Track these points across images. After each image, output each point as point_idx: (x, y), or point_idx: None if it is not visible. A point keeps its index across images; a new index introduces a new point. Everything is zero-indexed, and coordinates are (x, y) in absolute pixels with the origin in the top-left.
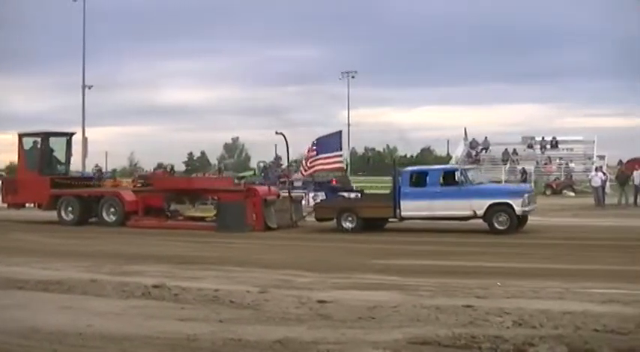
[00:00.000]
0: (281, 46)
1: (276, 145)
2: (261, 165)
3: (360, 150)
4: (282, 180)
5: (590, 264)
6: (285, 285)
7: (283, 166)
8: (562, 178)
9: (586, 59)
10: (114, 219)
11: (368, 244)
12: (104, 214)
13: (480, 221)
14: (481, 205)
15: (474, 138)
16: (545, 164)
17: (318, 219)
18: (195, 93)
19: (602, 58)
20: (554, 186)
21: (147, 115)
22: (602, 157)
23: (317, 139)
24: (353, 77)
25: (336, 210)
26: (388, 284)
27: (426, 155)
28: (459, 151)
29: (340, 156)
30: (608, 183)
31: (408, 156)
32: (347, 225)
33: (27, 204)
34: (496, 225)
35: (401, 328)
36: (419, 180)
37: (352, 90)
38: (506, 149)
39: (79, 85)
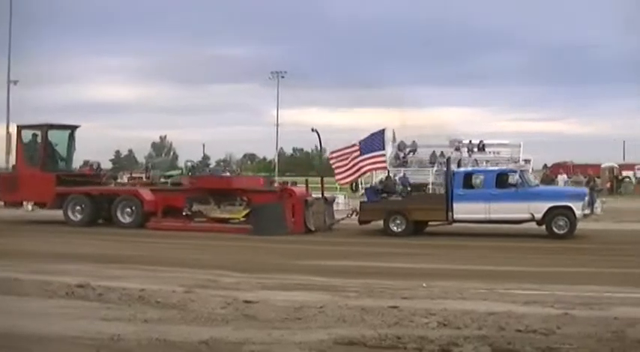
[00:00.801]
0: (211, 45)
1: (204, 145)
2: (189, 164)
3: (289, 151)
4: None
5: (513, 265)
6: (211, 285)
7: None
8: None
9: (515, 65)
10: (130, 220)
11: (295, 245)
12: (119, 214)
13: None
14: (540, 208)
15: (401, 141)
16: (472, 167)
17: (361, 222)
18: (124, 90)
19: (530, 63)
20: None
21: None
22: (527, 161)
23: (361, 140)
24: (283, 77)
25: (384, 212)
26: (314, 284)
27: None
28: (387, 153)
29: (383, 155)
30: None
31: None
32: (395, 228)
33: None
34: (555, 229)
35: (327, 328)
36: (474, 182)
37: (281, 91)
38: (433, 151)
39: (3, 80)
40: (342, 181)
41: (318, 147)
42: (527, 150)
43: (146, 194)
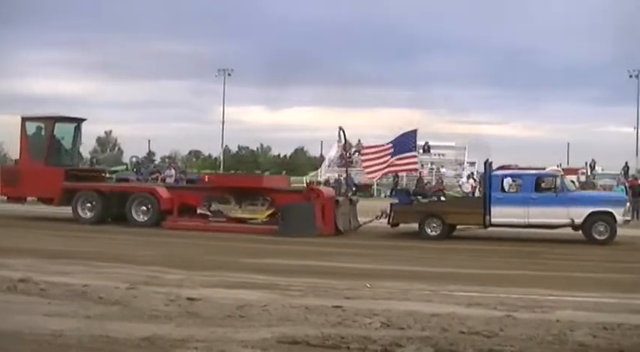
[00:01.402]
0: (157, 40)
1: (149, 140)
2: (134, 160)
3: (234, 148)
4: (153, 176)
5: (457, 267)
6: (154, 282)
7: (156, 162)
8: (433, 183)
9: (463, 66)
10: (145, 218)
11: (240, 243)
12: (133, 213)
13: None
14: (580, 214)
15: (347, 140)
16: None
17: (393, 225)
18: (68, 85)
19: (479, 66)
20: (427, 190)
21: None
22: (472, 163)
23: (394, 139)
24: (229, 74)
25: (420, 214)
26: (258, 283)
27: (299, 155)
28: (332, 153)
29: (415, 156)
30: (477, 190)
31: (282, 155)
32: (430, 231)
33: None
34: (595, 235)
35: (270, 327)
36: (511, 185)
37: (228, 88)
38: None
39: None
40: (371, 176)
41: (342, 141)
42: (472, 152)
43: (163, 191)
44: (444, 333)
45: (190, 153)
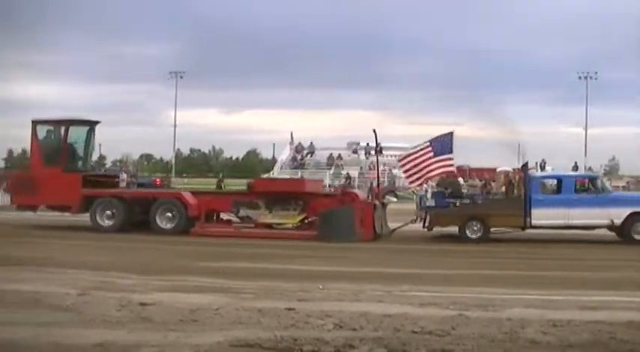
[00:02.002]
0: (109, 42)
1: (100, 144)
2: None
3: (186, 151)
4: None
5: (409, 267)
6: (106, 287)
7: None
8: (385, 184)
9: (414, 69)
10: (171, 225)
11: (193, 246)
12: (158, 219)
13: None
14: (620, 214)
15: (299, 142)
16: (370, 169)
17: (429, 229)
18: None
19: (432, 67)
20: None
21: None
22: None
23: (430, 141)
24: (181, 77)
25: (461, 218)
26: (211, 286)
27: (252, 158)
28: (284, 155)
29: (451, 158)
30: (430, 190)
31: (234, 158)
32: (471, 234)
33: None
34: (634, 234)
35: (223, 331)
36: (552, 187)
37: (180, 91)
38: (331, 154)
39: None
40: (415, 185)
41: (374, 146)
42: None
43: (189, 197)
44: (396, 333)
45: (142, 156)
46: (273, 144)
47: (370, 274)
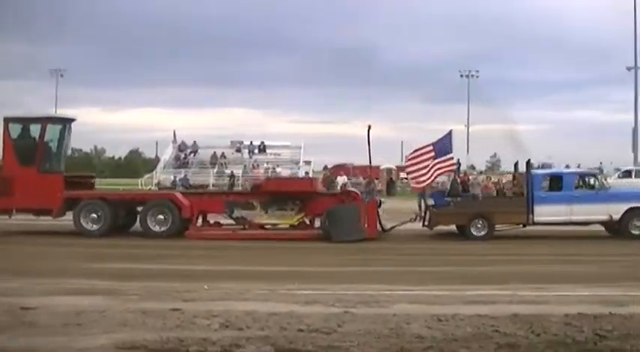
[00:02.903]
0: None
1: None
2: None
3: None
4: None
5: (294, 265)
6: None
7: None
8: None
9: (296, 67)
10: (164, 228)
11: (76, 248)
12: (149, 222)
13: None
14: (618, 210)
15: (182, 141)
16: (253, 168)
17: (431, 227)
18: None
19: (311, 66)
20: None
21: None
22: (308, 163)
23: (433, 144)
24: (62, 75)
25: (467, 216)
26: (95, 288)
27: (134, 157)
28: (167, 154)
29: (452, 158)
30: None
31: (116, 157)
32: (476, 232)
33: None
34: (631, 230)
35: (108, 333)
36: (553, 184)
37: (63, 89)
38: (214, 152)
39: None
40: (419, 186)
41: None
42: (308, 151)
43: (183, 198)
44: (283, 332)
45: None
46: (156, 142)
47: (255, 273)
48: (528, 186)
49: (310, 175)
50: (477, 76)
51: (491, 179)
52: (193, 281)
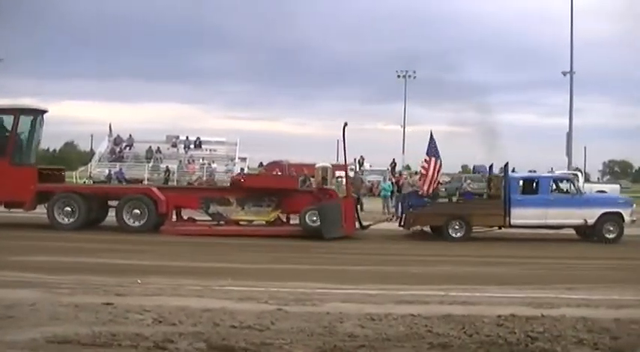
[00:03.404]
0: None
1: None
2: None
3: None
4: None
5: (228, 262)
6: None
7: None
8: (204, 178)
9: (231, 63)
10: (139, 223)
11: (6, 241)
12: (125, 217)
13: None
14: (593, 214)
15: (118, 135)
16: (189, 163)
17: (408, 227)
18: None
19: (247, 62)
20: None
21: None
22: (243, 159)
23: (427, 151)
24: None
25: (444, 217)
26: (26, 281)
27: (69, 150)
28: (103, 147)
29: (439, 158)
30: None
31: (51, 150)
32: (454, 233)
33: None
34: (605, 234)
35: (39, 327)
36: (529, 187)
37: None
38: (150, 147)
39: None
40: (426, 188)
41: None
42: (243, 148)
43: (159, 193)
44: (216, 328)
45: None
46: (91, 135)
47: (188, 268)
48: (505, 189)
49: (246, 171)
50: (414, 77)
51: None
52: (126, 276)
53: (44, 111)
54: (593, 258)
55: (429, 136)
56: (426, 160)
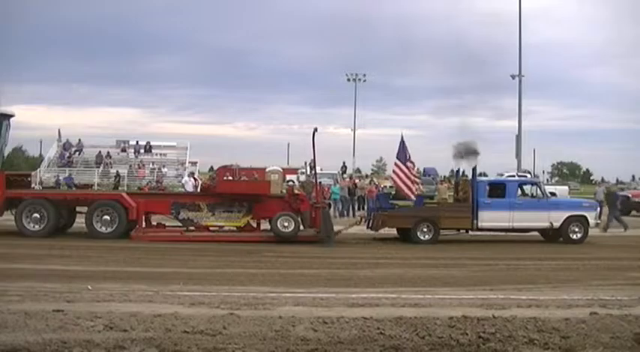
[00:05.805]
0: None
1: None
2: None
3: None
4: None
5: (178, 267)
6: None
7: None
8: (154, 183)
9: (180, 67)
10: (110, 229)
11: None
12: (95, 223)
13: None
14: (559, 217)
15: (67, 140)
16: (139, 168)
17: (376, 229)
18: None
19: (196, 66)
20: (147, 190)
21: None
22: (194, 163)
23: (396, 155)
24: None
25: (413, 219)
26: None
27: (17, 155)
28: (52, 152)
29: (412, 162)
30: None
31: None
32: (422, 236)
33: None
34: (571, 235)
35: None
36: (497, 191)
37: None
38: (99, 152)
39: None
40: (409, 194)
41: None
42: (194, 152)
43: (130, 199)
44: (167, 333)
45: None
46: (40, 141)
47: (138, 274)
48: (473, 193)
49: (196, 176)
50: (364, 80)
51: (374, 183)
52: (75, 282)
53: (10, 116)
54: (552, 258)
55: (399, 140)
56: (396, 164)
